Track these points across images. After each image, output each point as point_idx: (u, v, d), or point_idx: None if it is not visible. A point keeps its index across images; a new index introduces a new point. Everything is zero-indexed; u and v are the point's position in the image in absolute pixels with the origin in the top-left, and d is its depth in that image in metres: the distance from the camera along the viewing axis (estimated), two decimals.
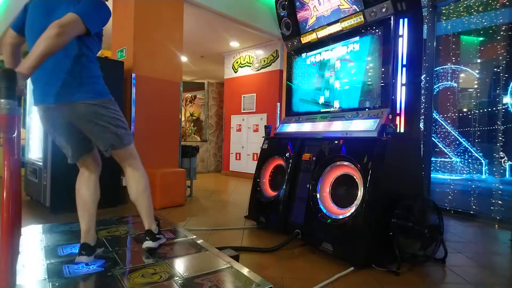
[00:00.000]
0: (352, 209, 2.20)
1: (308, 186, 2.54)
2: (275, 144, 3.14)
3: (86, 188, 1.76)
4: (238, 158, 7.28)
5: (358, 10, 2.60)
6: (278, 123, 5.64)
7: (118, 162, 1.80)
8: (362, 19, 2.57)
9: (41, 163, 3.45)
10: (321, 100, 3.02)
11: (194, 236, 2.17)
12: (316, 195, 2.47)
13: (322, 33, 2.95)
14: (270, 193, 3.02)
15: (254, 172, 3.20)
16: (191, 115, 9.75)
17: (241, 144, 7.21)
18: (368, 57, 2.60)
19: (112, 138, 1.66)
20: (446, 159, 4.09)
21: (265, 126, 3.34)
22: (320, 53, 3.07)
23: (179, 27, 4.43)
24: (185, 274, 1.56)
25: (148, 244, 1.84)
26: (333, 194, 2.45)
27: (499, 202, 3.48)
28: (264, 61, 6.75)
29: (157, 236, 1.89)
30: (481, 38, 3.89)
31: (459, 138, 3.99)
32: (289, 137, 3.01)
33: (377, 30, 2.52)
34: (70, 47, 1.50)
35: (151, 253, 1.83)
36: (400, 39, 2.38)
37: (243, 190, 5.23)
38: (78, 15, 1.42)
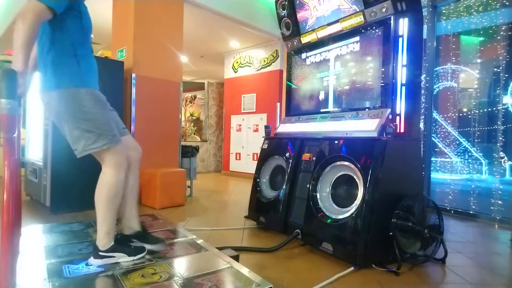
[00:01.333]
0: (352, 209, 2.20)
1: (308, 186, 2.54)
2: (275, 144, 3.14)
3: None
4: (238, 158, 7.28)
5: (358, 10, 2.60)
6: (278, 123, 5.64)
7: None
8: (362, 19, 2.57)
9: (41, 163, 3.45)
10: (321, 100, 3.02)
11: (194, 236, 2.17)
12: (316, 195, 2.47)
13: (322, 33, 2.95)
14: (270, 193, 3.02)
15: (254, 172, 3.20)
16: (191, 115, 9.76)
17: (241, 144, 7.21)
18: (368, 57, 2.60)
19: (79, 138, 1.52)
20: (446, 159, 4.08)
21: (265, 126, 3.34)
22: (320, 53, 3.07)
23: (179, 27, 4.43)
24: (185, 274, 1.56)
25: (90, 260, 1.64)
26: (333, 194, 2.45)
27: (499, 202, 3.48)
28: (264, 61, 6.75)
29: (104, 254, 1.63)
30: (481, 38, 3.89)
31: (459, 138, 3.99)
32: (289, 137, 3.01)
33: (377, 30, 2.52)
34: (41, 35, 1.52)
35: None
36: (400, 39, 2.38)
37: (243, 190, 5.23)
38: None
